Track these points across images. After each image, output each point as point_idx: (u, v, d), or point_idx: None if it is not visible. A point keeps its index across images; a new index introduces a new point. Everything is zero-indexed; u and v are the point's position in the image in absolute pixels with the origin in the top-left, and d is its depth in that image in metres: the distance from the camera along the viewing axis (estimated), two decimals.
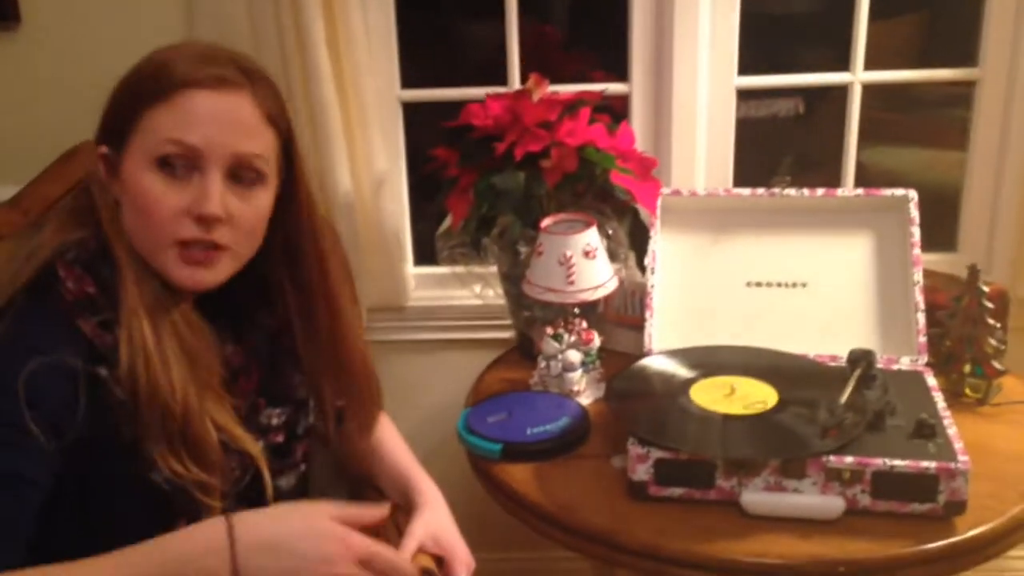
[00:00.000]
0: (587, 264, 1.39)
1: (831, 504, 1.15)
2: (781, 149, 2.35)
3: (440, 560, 1.11)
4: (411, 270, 1.89)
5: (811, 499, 1.16)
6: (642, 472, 1.19)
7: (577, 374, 1.44)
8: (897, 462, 1.14)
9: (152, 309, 1.00)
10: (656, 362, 1.37)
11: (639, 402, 1.28)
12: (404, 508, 1.17)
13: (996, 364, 1.39)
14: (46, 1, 1.69)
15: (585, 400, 1.44)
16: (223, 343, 1.09)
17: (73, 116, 1.34)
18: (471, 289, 1.64)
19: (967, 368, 1.42)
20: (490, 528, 1.30)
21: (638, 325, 1.51)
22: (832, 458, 1.15)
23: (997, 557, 1.16)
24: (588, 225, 1.41)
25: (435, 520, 1.12)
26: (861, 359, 1.31)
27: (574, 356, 1.44)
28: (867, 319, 1.45)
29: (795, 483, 1.16)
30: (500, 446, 1.31)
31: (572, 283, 1.39)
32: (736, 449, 1.18)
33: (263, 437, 1.09)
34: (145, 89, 1.00)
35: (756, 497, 1.17)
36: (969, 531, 1.13)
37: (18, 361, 0.94)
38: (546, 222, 1.42)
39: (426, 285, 1.90)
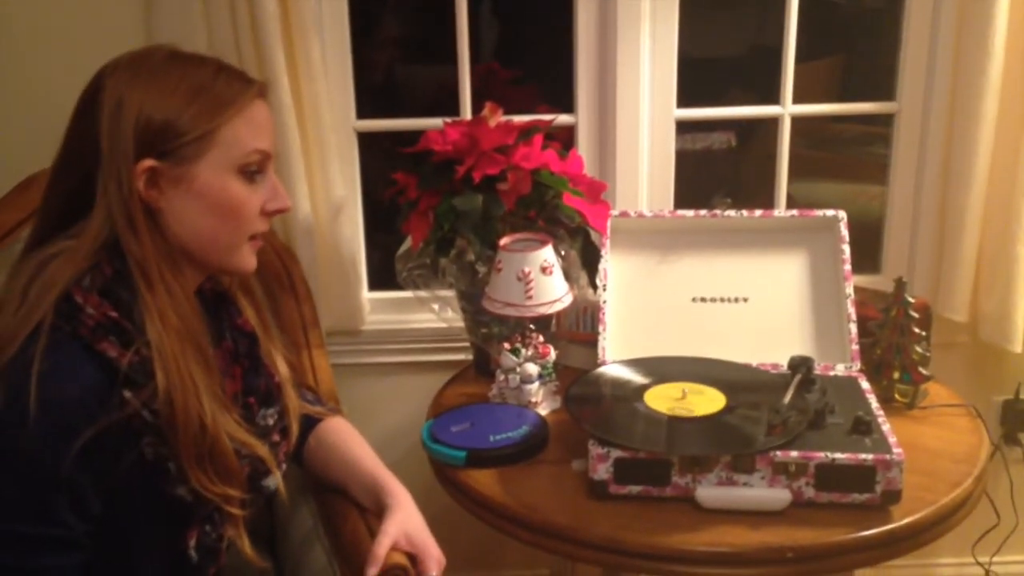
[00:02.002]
0: (544, 280, 1.47)
1: (778, 496, 1.24)
2: (715, 180, 2.48)
3: (413, 558, 1.16)
4: (366, 294, 1.94)
5: (760, 492, 1.24)
6: (602, 471, 1.26)
7: (535, 386, 1.51)
8: (838, 455, 1.23)
9: (178, 329, 1.03)
10: (612, 370, 1.45)
11: (597, 406, 1.36)
12: (375, 511, 1.22)
13: (922, 370, 1.50)
14: None
15: (543, 411, 1.50)
16: None
17: (29, 144, 1.38)
18: (430, 309, 1.70)
19: (896, 374, 1.52)
20: (450, 546, 1.35)
21: (590, 341, 1.59)
22: (779, 453, 1.24)
23: (930, 544, 1.26)
24: (544, 243, 1.49)
25: (406, 519, 1.18)
26: (801, 365, 1.40)
27: (532, 369, 1.51)
28: (804, 330, 1.54)
29: (745, 477, 1.24)
30: (465, 453, 1.36)
31: (531, 298, 1.46)
32: (690, 447, 1.25)
33: (265, 439, 1.14)
34: (220, 104, 1.05)
35: (709, 492, 1.24)
36: (904, 519, 1.23)
37: (62, 436, 0.97)
38: (505, 240, 1.50)
39: (380, 309, 1.95)
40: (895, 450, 1.24)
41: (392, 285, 1.74)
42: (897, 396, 1.53)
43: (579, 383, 1.42)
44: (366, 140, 1.91)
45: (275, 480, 1.14)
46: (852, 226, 1.57)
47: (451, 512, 1.39)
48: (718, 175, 2.46)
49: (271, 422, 1.17)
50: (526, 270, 1.46)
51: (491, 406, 1.51)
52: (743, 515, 1.23)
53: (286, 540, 1.38)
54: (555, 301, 1.49)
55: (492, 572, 2.00)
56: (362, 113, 1.88)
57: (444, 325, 1.80)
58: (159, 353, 1.01)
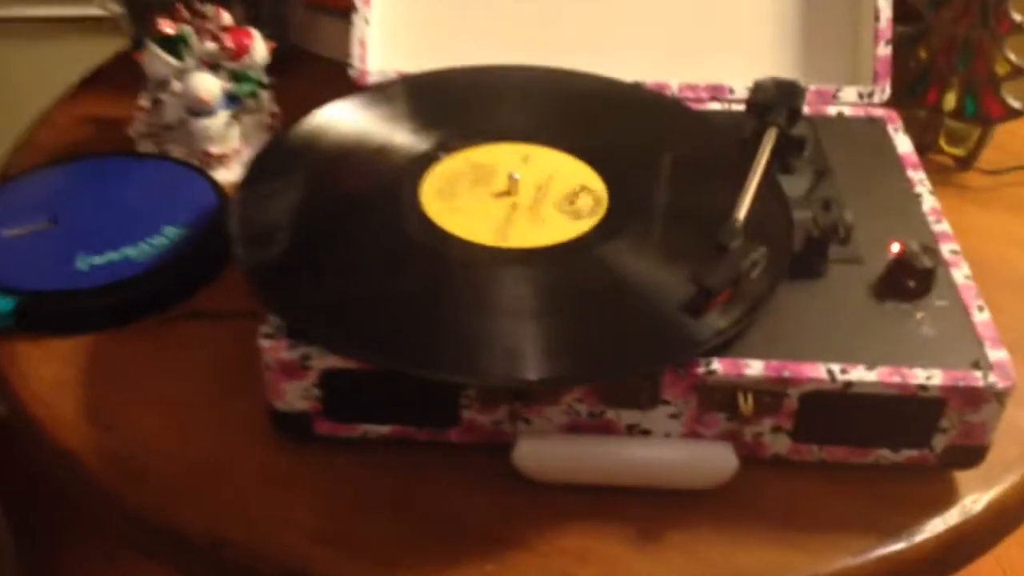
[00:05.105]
0: None
1: (710, 458, 0.53)
2: None
3: None
4: None
5: (664, 450, 0.53)
6: (296, 396, 0.52)
7: (218, 121, 0.71)
8: (861, 373, 0.51)
9: None
10: (349, 116, 0.65)
11: (300, 227, 0.58)
12: None
13: (1008, 97, 0.75)
14: None
15: (237, 174, 0.73)
16: None
17: None
18: None
19: (949, 99, 0.77)
20: None
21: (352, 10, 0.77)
22: (717, 364, 0.51)
23: (1012, 533, 0.59)
24: None
25: None
26: (776, 101, 0.64)
27: (207, 84, 0.70)
28: (772, 13, 0.75)
29: (634, 416, 0.52)
30: (13, 301, 0.60)
31: None
32: (508, 358, 0.51)
33: None
34: None
35: (547, 448, 0.52)
36: (986, 495, 0.54)
37: None
38: None
39: None
40: (994, 354, 0.52)
41: None
42: (943, 143, 0.79)
43: (269, 153, 0.62)
44: None
45: None
46: None
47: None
48: None
49: None
50: None
51: (121, 163, 0.72)
52: (621, 498, 0.53)
53: None
54: None
55: None
56: None
57: None
58: None
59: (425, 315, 0.51)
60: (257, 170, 0.59)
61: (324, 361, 0.51)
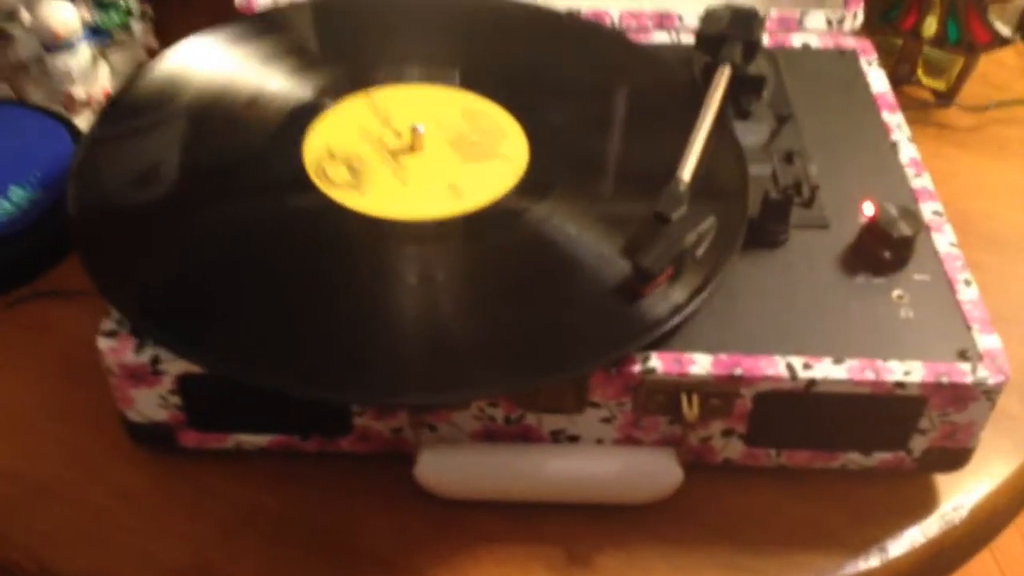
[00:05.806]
0: None
1: (649, 468, 0.44)
2: None
3: None
4: None
5: (595, 461, 0.44)
6: (151, 405, 0.43)
7: (80, 58, 0.61)
8: (827, 368, 0.42)
9: None
10: (214, 53, 0.54)
11: (150, 197, 0.47)
12: None
13: (996, 22, 0.66)
14: None
15: None
16: None
17: None
18: None
19: (929, 24, 0.68)
20: None
21: None
22: (656, 361, 0.42)
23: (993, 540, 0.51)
24: None
25: None
26: (731, 32, 0.54)
27: (62, 15, 0.59)
28: None
29: (558, 421, 0.44)
30: None
31: None
32: (403, 370, 0.42)
33: None
34: None
35: (455, 460, 0.44)
36: (968, 502, 0.47)
37: None
38: None
39: None
40: (983, 340, 0.44)
41: None
42: (921, 75, 0.70)
43: (118, 99, 0.52)
44: None
45: None
46: None
47: None
48: None
49: None
50: None
51: None
52: (547, 515, 0.45)
53: None
54: None
55: None
56: None
57: None
58: None
59: (301, 313, 0.42)
60: (102, 123, 0.49)
61: (179, 365, 0.41)
